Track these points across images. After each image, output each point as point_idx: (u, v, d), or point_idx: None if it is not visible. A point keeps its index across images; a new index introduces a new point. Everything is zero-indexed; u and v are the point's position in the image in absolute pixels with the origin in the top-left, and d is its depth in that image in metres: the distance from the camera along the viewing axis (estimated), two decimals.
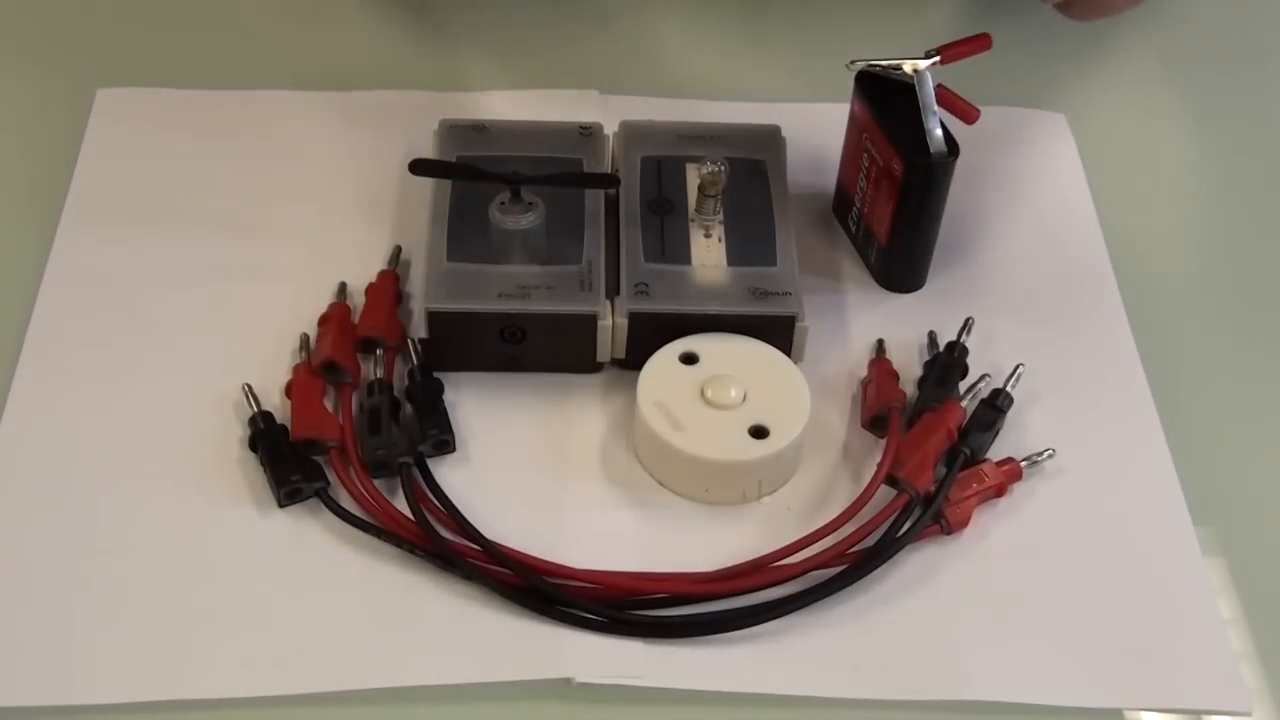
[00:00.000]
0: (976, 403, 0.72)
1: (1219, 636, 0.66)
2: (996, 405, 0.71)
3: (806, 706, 0.63)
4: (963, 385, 0.72)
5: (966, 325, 0.74)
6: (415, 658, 0.63)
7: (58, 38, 0.90)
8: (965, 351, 0.73)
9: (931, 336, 0.75)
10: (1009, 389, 0.72)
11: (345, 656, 0.63)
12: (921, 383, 0.73)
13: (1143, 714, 0.64)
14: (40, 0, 0.92)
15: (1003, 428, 0.71)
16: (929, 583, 0.67)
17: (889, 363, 0.73)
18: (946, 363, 0.73)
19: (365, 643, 0.64)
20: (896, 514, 0.67)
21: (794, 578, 0.65)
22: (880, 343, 0.75)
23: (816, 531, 0.66)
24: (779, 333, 0.71)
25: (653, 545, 0.67)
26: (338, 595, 0.65)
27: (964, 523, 0.68)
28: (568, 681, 0.63)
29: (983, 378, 0.72)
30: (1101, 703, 0.64)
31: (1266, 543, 0.70)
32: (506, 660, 0.63)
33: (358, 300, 0.74)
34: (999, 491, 0.69)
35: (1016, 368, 0.72)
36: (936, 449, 0.68)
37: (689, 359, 0.71)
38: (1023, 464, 0.70)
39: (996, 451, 0.71)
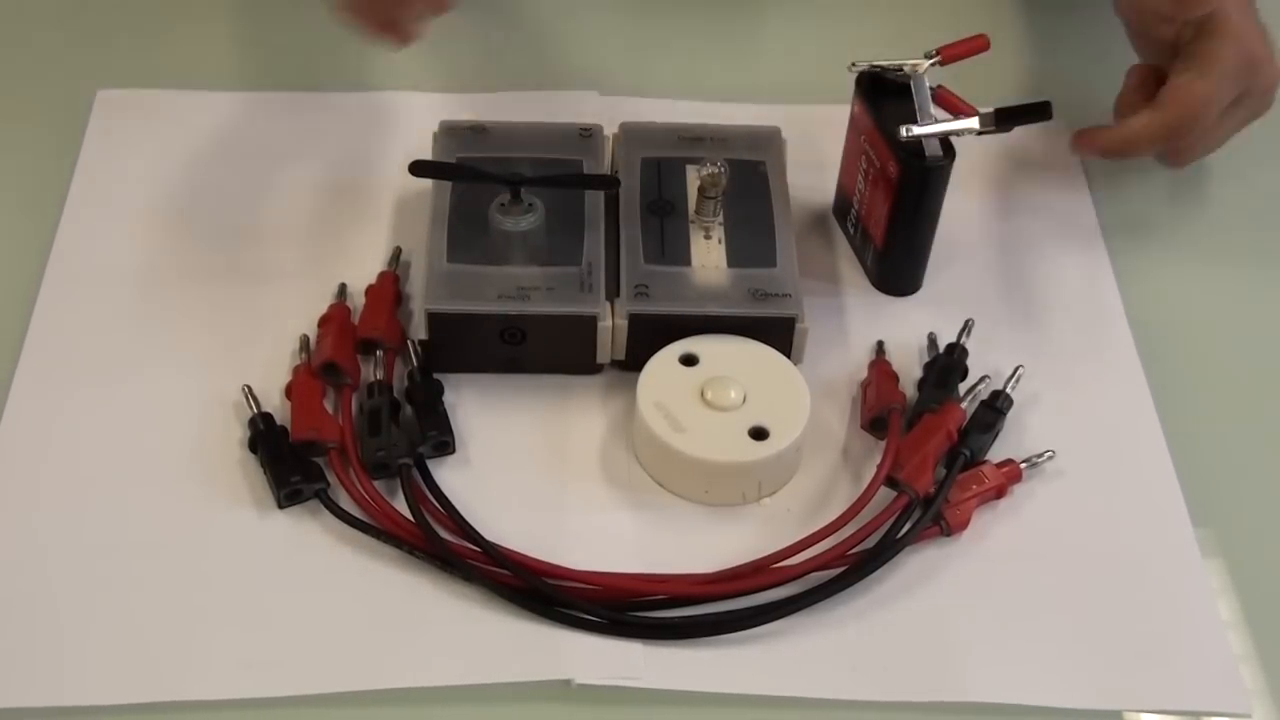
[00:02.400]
0: (977, 404, 0.72)
1: (1219, 638, 0.66)
2: (996, 407, 0.71)
3: (806, 707, 0.63)
4: (962, 387, 0.72)
5: (966, 327, 0.74)
6: (415, 659, 0.63)
7: (58, 38, 0.90)
8: (965, 353, 0.73)
9: (931, 338, 0.75)
10: (1009, 391, 0.72)
11: (345, 657, 0.63)
12: (921, 384, 0.73)
13: (1143, 715, 0.64)
14: (40, 0, 0.92)
15: (1003, 429, 0.71)
16: (929, 584, 0.67)
17: (888, 364, 0.73)
18: (946, 364, 0.73)
19: (365, 644, 0.64)
20: (896, 515, 0.67)
21: (794, 579, 0.65)
22: (880, 344, 0.75)
23: (816, 533, 0.66)
24: (779, 334, 0.71)
25: (652, 546, 0.67)
26: (338, 596, 0.65)
27: (964, 524, 0.68)
28: (568, 683, 0.63)
29: (982, 379, 0.72)
30: (1102, 704, 0.64)
31: (1266, 544, 0.70)
32: (506, 661, 0.63)
33: (357, 301, 0.74)
34: (999, 493, 0.69)
35: (1016, 369, 0.72)
36: (936, 451, 0.68)
37: (689, 360, 0.71)
38: (1023, 465, 0.70)
39: (997, 453, 0.71)
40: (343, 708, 0.62)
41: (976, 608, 0.66)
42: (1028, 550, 0.68)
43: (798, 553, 0.66)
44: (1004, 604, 0.66)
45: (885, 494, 0.68)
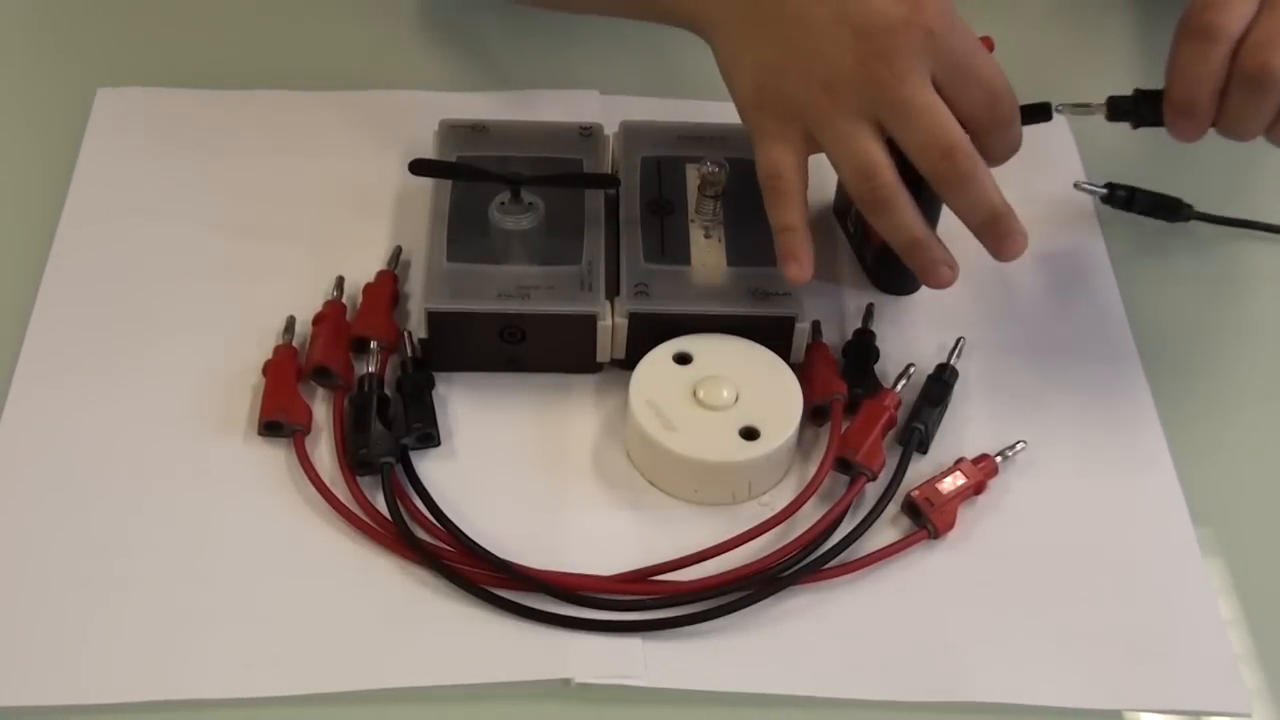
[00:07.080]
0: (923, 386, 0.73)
1: (1219, 637, 0.66)
2: (943, 380, 0.72)
3: (806, 706, 0.63)
4: (893, 375, 0.73)
5: (869, 311, 0.75)
6: (415, 658, 0.63)
7: (58, 38, 0.90)
8: (872, 335, 0.74)
9: (870, 310, 0.76)
10: (953, 362, 0.73)
11: (345, 657, 0.63)
12: (844, 370, 0.73)
13: (1142, 715, 0.64)
14: (40, 0, 0.92)
15: (1002, 429, 0.71)
16: (929, 584, 0.67)
17: (827, 348, 0.73)
18: (859, 347, 0.74)
19: (365, 643, 0.64)
20: (855, 495, 0.68)
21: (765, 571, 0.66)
22: (816, 324, 0.74)
23: (764, 523, 0.67)
24: (779, 333, 0.71)
25: (645, 545, 0.67)
26: (338, 596, 0.65)
27: (950, 525, 0.68)
28: (568, 682, 0.63)
29: (908, 367, 0.73)
30: (1101, 703, 0.64)
31: (1266, 543, 0.70)
32: (506, 661, 0.63)
33: (356, 299, 0.74)
34: (978, 489, 0.69)
35: (958, 340, 0.74)
36: (883, 431, 0.70)
37: (683, 359, 0.70)
38: (997, 459, 0.70)
39: (987, 449, 0.71)
40: (343, 707, 0.62)
41: (976, 607, 0.66)
42: (1027, 550, 0.68)
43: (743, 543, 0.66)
44: (1004, 604, 0.66)
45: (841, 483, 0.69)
